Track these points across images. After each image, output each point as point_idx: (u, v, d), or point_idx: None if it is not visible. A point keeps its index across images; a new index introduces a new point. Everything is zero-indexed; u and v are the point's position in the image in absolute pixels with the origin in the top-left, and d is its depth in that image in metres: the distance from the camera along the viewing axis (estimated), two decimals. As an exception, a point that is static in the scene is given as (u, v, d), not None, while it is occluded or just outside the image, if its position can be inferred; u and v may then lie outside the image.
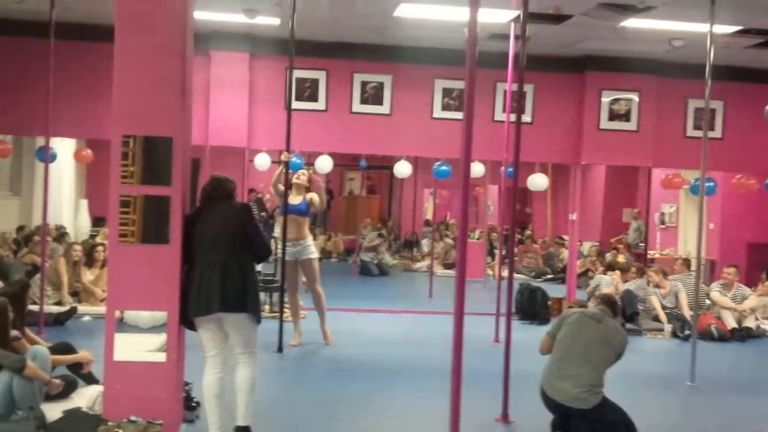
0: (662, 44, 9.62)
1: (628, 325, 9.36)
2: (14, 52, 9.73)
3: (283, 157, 7.53)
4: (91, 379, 5.57)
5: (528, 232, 18.70)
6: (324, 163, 10.95)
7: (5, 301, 4.89)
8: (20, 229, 12.14)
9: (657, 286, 9.99)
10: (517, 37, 8.46)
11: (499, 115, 10.21)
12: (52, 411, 4.73)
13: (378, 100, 10.43)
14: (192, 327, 4.73)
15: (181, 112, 4.83)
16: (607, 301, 5.17)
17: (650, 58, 10.64)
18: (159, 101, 4.77)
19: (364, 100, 10.40)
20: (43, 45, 7.78)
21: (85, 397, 5.19)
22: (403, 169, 10.74)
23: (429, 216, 19.78)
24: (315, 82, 10.22)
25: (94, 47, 9.57)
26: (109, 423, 4.48)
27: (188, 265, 4.74)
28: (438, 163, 11.54)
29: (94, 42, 9.60)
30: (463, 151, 3.79)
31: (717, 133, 11.01)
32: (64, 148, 12.90)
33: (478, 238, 15.58)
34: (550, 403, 4.77)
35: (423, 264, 15.91)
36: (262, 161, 10.12)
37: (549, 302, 10.23)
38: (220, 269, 4.57)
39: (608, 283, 10.62)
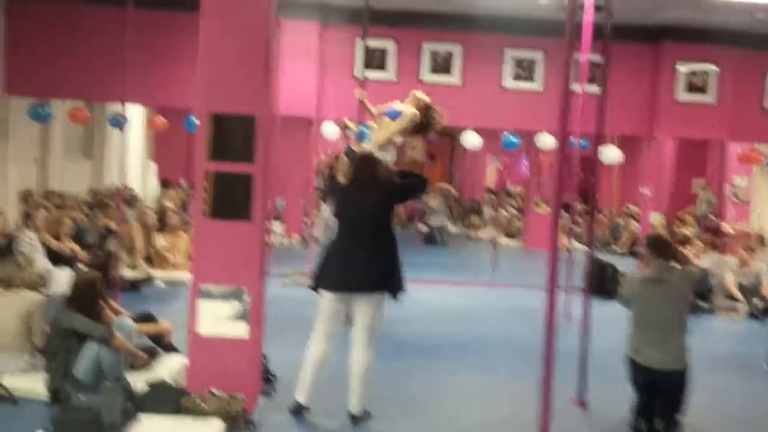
0: (743, 15, 9.24)
1: (701, 303, 9.17)
2: (91, 21, 9.91)
3: (357, 93, 7.26)
4: (171, 349, 5.73)
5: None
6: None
7: (98, 276, 5.05)
8: (92, 191, 12.41)
9: (743, 263, 9.69)
10: (597, 8, 8.25)
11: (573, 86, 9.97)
12: (136, 381, 4.89)
13: (447, 69, 10.32)
14: (316, 290, 4.89)
15: (265, 89, 4.85)
16: (653, 245, 5.05)
17: (730, 29, 10.23)
18: (243, 79, 4.78)
19: (433, 70, 10.31)
20: (118, 13, 7.86)
21: (167, 368, 5.35)
22: (471, 139, 10.62)
23: (491, 184, 19.62)
24: (384, 52, 10.15)
25: (169, 16, 9.72)
26: (193, 396, 4.61)
27: (335, 236, 4.92)
28: (505, 133, 11.39)
29: (169, 11, 9.74)
30: (560, 124, 3.71)
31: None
32: (134, 113, 13.15)
33: (544, 209, 15.36)
34: (639, 371, 4.81)
35: (485, 233, 15.83)
36: (330, 130, 10.14)
37: (620, 278, 10.08)
38: (363, 252, 4.72)
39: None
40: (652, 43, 10.58)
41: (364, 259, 4.72)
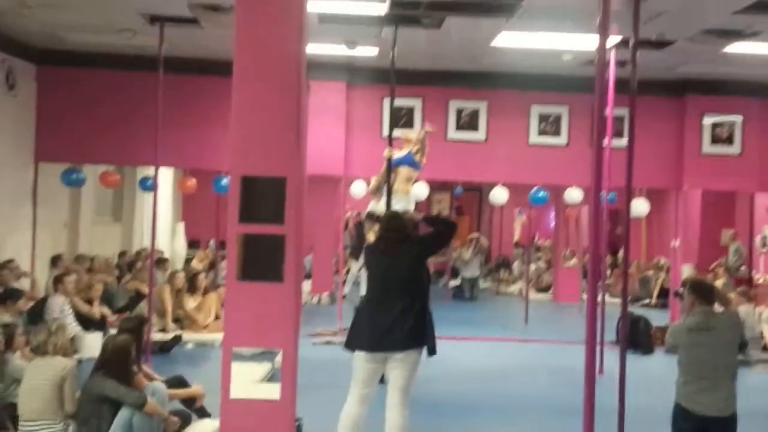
0: (764, 67, 9.27)
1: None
2: (123, 86, 10.18)
3: (386, 153, 7.61)
4: (203, 413, 5.70)
5: (621, 255, 18.21)
6: (420, 190, 10.97)
7: (130, 340, 5.07)
8: (122, 254, 12.49)
9: (775, 315, 9.57)
10: (619, 63, 8.36)
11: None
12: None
13: (473, 126, 10.43)
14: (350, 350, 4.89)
15: (296, 151, 4.91)
16: (697, 291, 4.95)
17: (752, 81, 10.28)
18: (275, 141, 4.83)
19: (459, 127, 10.43)
20: (150, 78, 8.08)
21: (200, 432, 5.33)
22: (499, 195, 10.67)
23: (517, 237, 19.53)
24: (411, 110, 10.30)
25: (198, 81, 9.98)
26: (227, 459, 4.57)
27: (366, 295, 4.98)
28: (535, 189, 11.43)
29: (199, 75, 9.99)
30: (594, 179, 3.71)
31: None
32: (164, 174, 13.37)
33: (573, 263, 15.25)
34: (690, 418, 4.76)
35: (515, 287, 15.71)
36: (359, 189, 10.25)
37: (652, 331, 9.95)
38: (395, 310, 4.72)
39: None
40: (677, 96, 10.65)
41: (398, 318, 4.71)
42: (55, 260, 10.21)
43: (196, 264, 13.93)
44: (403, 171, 7.71)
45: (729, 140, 10.62)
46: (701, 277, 6.61)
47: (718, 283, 12.56)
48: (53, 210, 11.04)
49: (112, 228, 13.81)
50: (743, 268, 14.42)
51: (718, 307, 5.03)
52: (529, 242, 15.33)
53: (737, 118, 10.58)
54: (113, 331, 7.57)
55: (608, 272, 14.65)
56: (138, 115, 9.77)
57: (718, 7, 6.91)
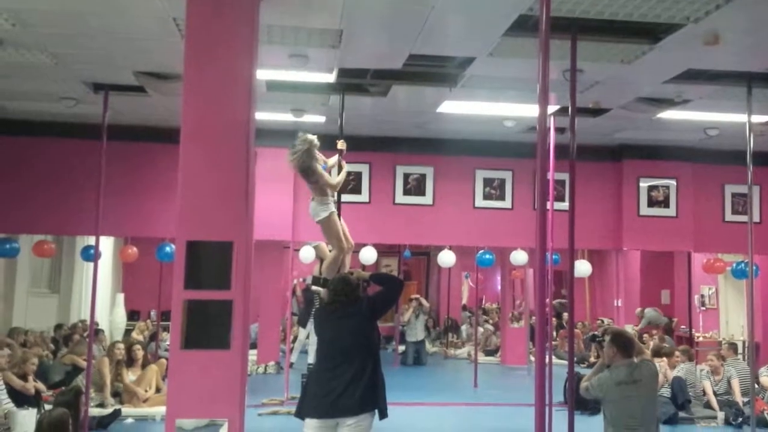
0: (697, 133, 9.72)
1: (681, 414, 9.19)
2: (64, 154, 9.96)
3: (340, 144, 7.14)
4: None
5: (566, 316, 18.47)
6: (368, 254, 11.04)
7: (66, 414, 4.91)
8: (58, 327, 12.12)
9: (714, 372, 9.78)
10: (559, 130, 8.67)
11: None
12: None
13: (420, 190, 10.58)
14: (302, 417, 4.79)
15: (244, 216, 4.90)
16: (619, 344, 5.19)
17: (685, 146, 10.74)
18: (222, 207, 4.81)
19: (406, 192, 10.56)
20: (91, 146, 7.99)
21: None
22: (446, 258, 10.78)
23: (465, 300, 19.65)
24: (358, 175, 10.39)
25: (141, 148, 9.93)
26: None
27: (316, 361, 4.88)
28: (481, 251, 11.58)
29: (142, 142, 9.95)
30: (539, 241, 3.78)
31: (755, 217, 10.95)
32: (104, 243, 13.11)
33: (520, 325, 15.38)
34: None
35: (464, 351, 15.72)
36: (307, 254, 10.21)
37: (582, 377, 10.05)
38: (347, 375, 4.66)
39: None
40: (614, 160, 11.03)
41: (350, 383, 4.66)
42: (-13, 334, 9.84)
43: (136, 335, 13.62)
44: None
45: (665, 203, 11.00)
46: (622, 330, 6.85)
47: (654, 341, 12.87)
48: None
49: (49, 299, 13.38)
50: (683, 327, 14.77)
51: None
52: (477, 305, 15.43)
53: (672, 182, 11.00)
54: (48, 407, 7.34)
55: (554, 333, 14.82)
56: (78, 183, 9.60)
57: (649, 76, 7.25)
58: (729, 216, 11.11)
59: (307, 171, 6.31)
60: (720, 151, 10.61)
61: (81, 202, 9.33)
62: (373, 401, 4.72)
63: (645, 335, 14.24)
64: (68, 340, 10.96)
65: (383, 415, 4.80)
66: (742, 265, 10.70)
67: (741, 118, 7.56)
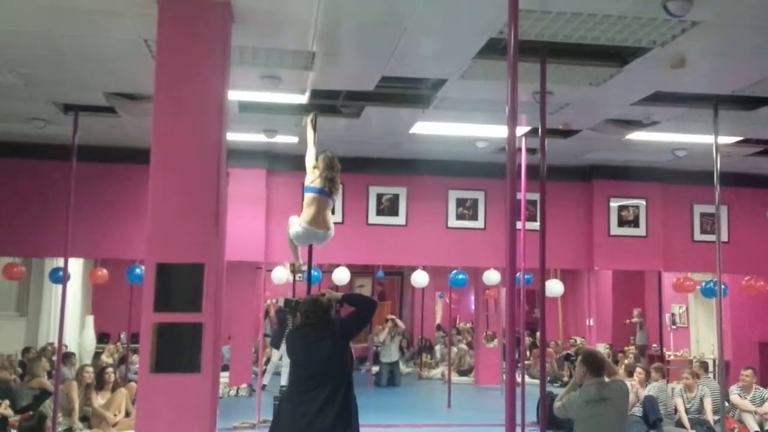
0: (666, 154, 9.89)
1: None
2: (32, 175, 9.87)
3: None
4: None
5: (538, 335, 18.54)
6: (341, 275, 11.03)
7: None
8: (26, 350, 11.89)
9: (688, 389, 9.86)
10: (530, 150, 8.76)
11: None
12: None
13: (393, 211, 10.62)
14: None
15: (215, 237, 4.87)
16: (590, 364, 5.26)
17: (655, 167, 10.92)
18: (193, 228, 4.76)
19: (380, 212, 10.60)
20: (60, 167, 7.92)
21: None
22: (419, 278, 10.80)
23: (439, 320, 19.64)
24: (331, 196, 10.38)
25: (111, 169, 9.86)
26: None
27: (289, 384, 4.88)
28: (454, 271, 11.61)
29: (112, 163, 9.89)
30: (508, 261, 3.79)
31: (723, 236, 11.13)
32: (73, 265, 12.93)
33: (494, 344, 15.39)
34: None
35: (437, 371, 15.69)
36: (280, 275, 10.18)
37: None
38: (321, 398, 4.64)
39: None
40: (584, 181, 11.18)
41: (323, 404, 4.64)
42: (-48, 359, 9.62)
43: (105, 358, 13.41)
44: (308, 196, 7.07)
45: (635, 222, 11.15)
46: (593, 349, 6.93)
47: (627, 361, 12.95)
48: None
49: (17, 322, 13.13)
50: (655, 345, 14.89)
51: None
52: (451, 325, 15.42)
53: (641, 202, 11.16)
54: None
55: (527, 352, 14.87)
56: (48, 205, 9.51)
57: (618, 99, 7.37)
58: (698, 235, 11.31)
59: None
60: (688, 172, 10.81)
61: (50, 224, 9.22)
62: (346, 423, 4.70)
63: (620, 354, 14.32)
64: (36, 364, 10.71)
65: None
66: (711, 284, 10.85)
67: (708, 139, 7.73)
